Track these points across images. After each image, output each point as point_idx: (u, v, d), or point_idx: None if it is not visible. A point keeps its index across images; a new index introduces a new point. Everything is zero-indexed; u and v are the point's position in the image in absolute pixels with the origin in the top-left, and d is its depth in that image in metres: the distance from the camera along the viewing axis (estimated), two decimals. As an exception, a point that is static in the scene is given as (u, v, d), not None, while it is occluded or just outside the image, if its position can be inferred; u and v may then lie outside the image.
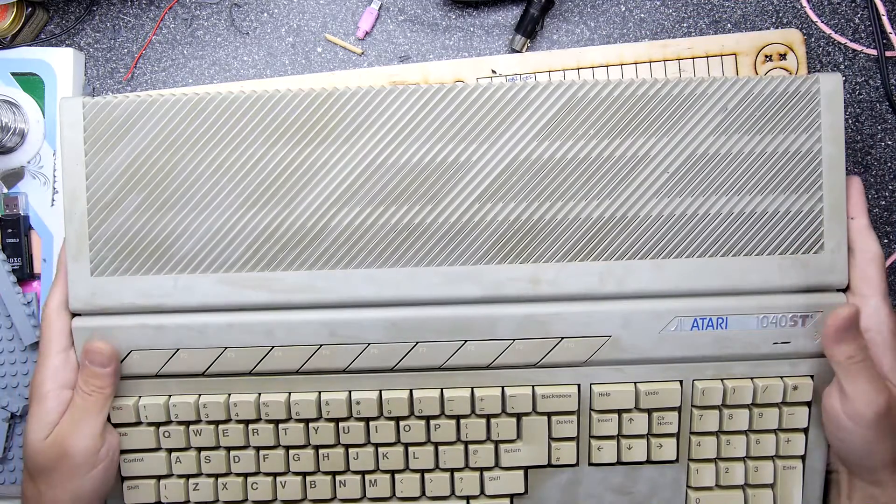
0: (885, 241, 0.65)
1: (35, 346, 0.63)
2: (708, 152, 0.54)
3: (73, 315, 0.55)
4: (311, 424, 0.56)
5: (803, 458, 0.57)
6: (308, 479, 0.57)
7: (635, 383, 0.56)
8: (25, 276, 0.63)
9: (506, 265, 0.54)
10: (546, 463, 0.57)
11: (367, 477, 0.57)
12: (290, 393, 0.56)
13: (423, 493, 0.57)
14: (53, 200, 0.63)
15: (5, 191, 0.63)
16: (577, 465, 0.57)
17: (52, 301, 0.55)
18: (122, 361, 0.55)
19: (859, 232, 0.54)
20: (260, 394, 0.56)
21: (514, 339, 0.55)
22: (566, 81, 0.54)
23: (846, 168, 0.61)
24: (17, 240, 0.62)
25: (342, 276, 0.54)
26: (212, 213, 0.54)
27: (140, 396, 0.56)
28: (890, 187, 0.65)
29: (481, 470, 0.57)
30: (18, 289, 0.62)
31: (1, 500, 0.65)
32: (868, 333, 0.53)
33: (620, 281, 0.55)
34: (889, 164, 0.65)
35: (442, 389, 0.56)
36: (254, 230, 0.54)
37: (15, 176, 0.63)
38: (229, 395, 0.56)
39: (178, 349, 0.55)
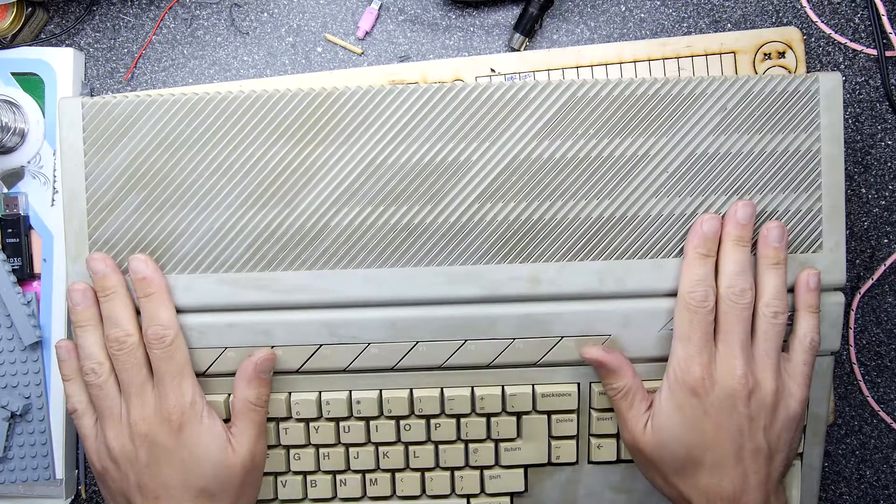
0: (886, 240, 0.65)
1: (35, 346, 0.63)
2: (707, 152, 0.54)
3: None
4: (311, 424, 0.56)
5: (801, 455, 0.57)
6: (308, 478, 0.57)
7: (635, 382, 0.56)
8: (25, 276, 0.63)
9: (506, 265, 0.55)
10: (546, 461, 0.57)
11: (368, 476, 0.57)
12: (290, 392, 0.56)
13: (424, 491, 0.58)
14: (53, 200, 0.63)
15: (5, 191, 0.63)
16: (576, 463, 0.57)
17: (170, 321, 0.54)
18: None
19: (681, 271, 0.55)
20: (260, 393, 0.56)
21: (514, 339, 0.55)
22: (566, 81, 0.54)
23: (846, 168, 0.61)
24: (17, 240, 0.62)
25: (342, 276, 0.55)
26: (211, 213, 0.54)
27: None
28: (890, 187, 0.65)
29: (481, 468, 0.57)
30: (18, 289, 0.62)
31: (1, 500, 0.65)
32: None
33: (620, 280, 0.55)
34: (889, 164, 0.65)
35: (442, 389, 0.56)
36: (254, 230, 0.54)
37: (15, 176, 0.63)
38: (229, 395, 0.56)
39: (178, 349, 0.55)
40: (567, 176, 0.54)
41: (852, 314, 0.66)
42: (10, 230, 0.62)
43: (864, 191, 0.65)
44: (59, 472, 0.64)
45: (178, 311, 0.55)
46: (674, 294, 0.54)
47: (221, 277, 0.55)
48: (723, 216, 0.54)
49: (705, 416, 0.51)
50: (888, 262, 0.65)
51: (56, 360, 0.57)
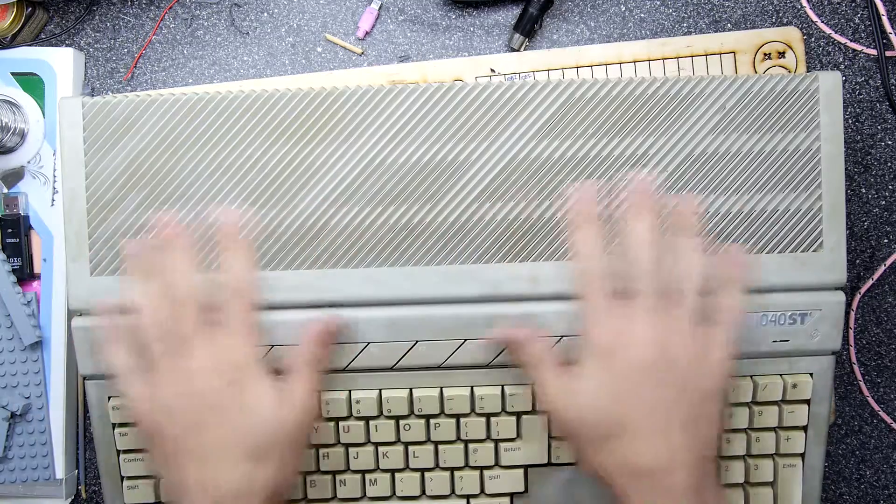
0: (886, 240, 0.65)
1: (35, 346, 0.63)
2: (707, 151, 0.54)
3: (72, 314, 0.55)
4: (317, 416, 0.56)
5: (803, 456, 0.57)
6: (308, 478, 0.57)
7: (635, 382, 0.56)
8: (25, 276, 0.63)
9: (505, 264, 0.55)
10: (546, 462, 0.57)
11: (367, 476, 0.57)
12: (290, 392, 0.56)
13: (424, 492, 0.57)
14: (53, 200, 0.63)
15: (5, 191, 0.63)
16: (576, 463, 0.57)
17: (249, 275, 0.54)
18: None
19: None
20: (260, 393, 0.56)
21: (513, 338, 0.55)
22: (565, 81, 0.54)
23: (846, 168, 0.61)
24: (17, 240, 0.62)
25: (342, 276, 0.55)
26: (211, 213, 0.54)
27: (140, 396, 0.56)
28: (890, 187, 0.65)
29: (481, 469, 0.57)
30: (18, 289, 0.62)
31: (1, 500, 0.65)
32: None
33: (620, 279, 0.55)
34: (889, 164, 0.65)
35: (442, 388, 0.56)
36: (253, 230, 0.54)
37: (15, 176, 0.63)
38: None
39: (178, 349, 0.55)
40: (567, 175, 0.54)
41: (852, 314, 0.66)
42: (10, 230, 0.63)
43: (864, 191, 0.65)
44: (59, 472, 0.64)
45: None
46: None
47: (221, 277, 0.55)
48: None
49: (619, 381, 0.49)
50: (888, 262, 0.65)
51: (98, 322, 0.54)
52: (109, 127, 0.54)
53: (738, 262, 0.52)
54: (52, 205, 0.63)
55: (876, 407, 0.66)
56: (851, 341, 0.66)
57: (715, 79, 0.54)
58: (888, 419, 0.66)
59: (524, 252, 0.54)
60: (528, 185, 0.54)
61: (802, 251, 0.54)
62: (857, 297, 0.65)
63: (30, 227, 0.63)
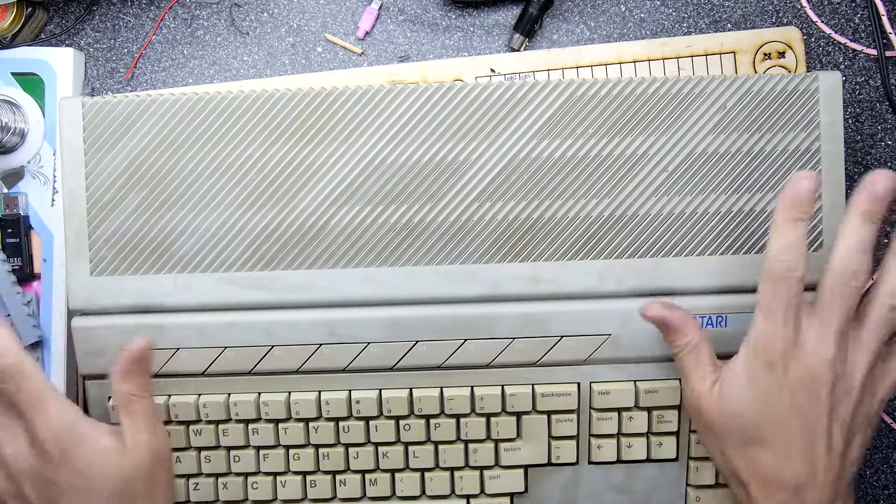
0: (886, 240, 0.65)
1: (35, 345, 0.63)
2: (707, 150, 0.54)
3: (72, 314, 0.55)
4: (310, 424, 0.56)
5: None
6: (308, 478, 0.57)
7: (635, 381, 0.56)
8: (25, 276, 0.63)
9: (505, 264, 0.55)
10: (546, 462, 0.57)
11: (367, 476, 0.57)
12: (289, 392, 0.56)
13: (424, 492, 0.57)
14: (53, 200, 0.63)
15: (5, 191, 0.63)
16: (577, 463, 0.57)
17: (10, 349, 0.49)
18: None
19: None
20: (260, 393, 0.56)
21: (513, 338, 0.55)
22: (565, 80, 0.54)
23: (846, 168, 0.61)
24: (17, 240, 0.62)
25: (342, 276, 0.55)
26: (211, 213, 0.54)
27: (140, 396, 0.56)
28: None
29: (481, 469, 0.57)
30: (18, 289, 0.62)
31: None
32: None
33: (620, 279, 0.55)
34: (889, 164, 0.65)
35: (442, 388, 0.56)
36: (253, 229, 0.54)
37: (15, 176, 0.63)
38: (229, 394, 0.56)
39: (178, 349, 0.55)
40: (567, 175, 0.54)
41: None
42: (10, 230, 0.62)
43: None
44: None
45: (178, 310, 0.55)
46: (673, 293, 0.54)
47: (221, 277, 0.55)
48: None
49: (780, 392, 0.47)
50: None
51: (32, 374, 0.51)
52: (109, 127, 0.54)
53: None
54: (52, 205, 0.63)
55: (876, 407, 0.66)
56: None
57: (715, 79, 0.54)
58: (888, 419, 0.66)
59: (524, 252, 0.54)
60: (528, 185, 0.54)
61: (803, 251, 0.54)
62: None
63: (30, 227, 0.63)
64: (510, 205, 0.54)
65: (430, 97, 0.54)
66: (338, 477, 0.57)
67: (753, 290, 0.53)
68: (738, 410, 0.49)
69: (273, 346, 0.55)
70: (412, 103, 0.54)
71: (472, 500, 0.58)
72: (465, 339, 0.55)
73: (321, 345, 0.55)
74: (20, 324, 0.62)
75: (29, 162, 0.63)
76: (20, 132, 0.63)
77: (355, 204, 0.54)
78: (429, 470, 0.57)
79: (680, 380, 0.55)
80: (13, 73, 0.64)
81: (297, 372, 0.56)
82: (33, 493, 0.49)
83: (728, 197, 0.54)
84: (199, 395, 0.56)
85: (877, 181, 0.46)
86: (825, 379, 0.47)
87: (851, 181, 0.65)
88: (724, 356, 0.55)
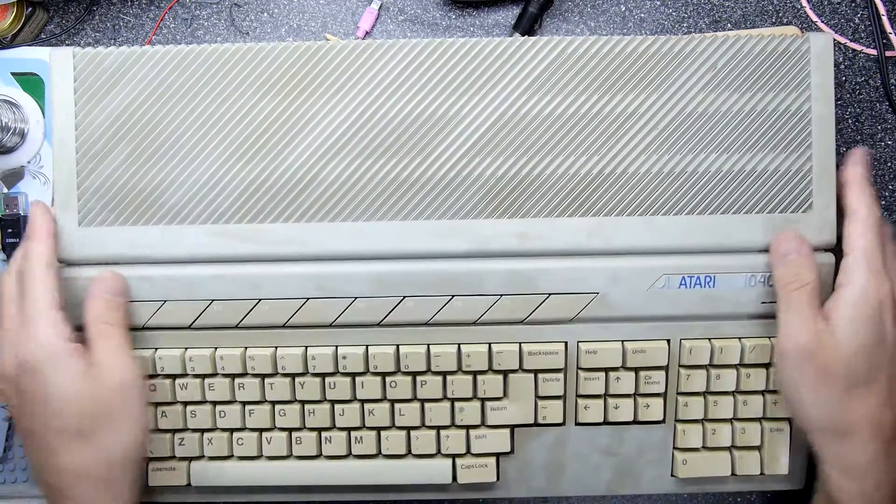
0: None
1: None
2: (697, 110, 0.54)
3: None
4: (297, 379, 0.56)
5: (790, 420, 0.56)
6: (294, 434, 0.57)
7: (622, 341, 0.56)
8: None
9: (494, 220, 0.54)
10: (532, 422, 0.57)
11: (353, 434, 0.57)
12: (276, 347, 0.56)
13: (409, 451, 0.57)
14: (53, 201, 0.63)
15: (5, 191, 0.63)
16: (563, 424, 0.57)
17: (39, 258, 0.52)
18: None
19: (850, 196, 0.53)
20: (246, 348, 0.56)
21: (501, 295, 0.55)
22: (555, 38, 0.54)
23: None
24: (17, 240, 0.62)
25: (329, 229, 0.54)
26: (200, 165, 0.54)
27: (126, 350, 0.56)
28: (890, 187, 0.65)
29: (467, 428, 0.57)
30: None
31: (1, 500, 0.65)
32: (838, 287, 0.51)
33: (608, 237, 0.54)
34: (889, 164, 0.65)
35: (428, 345, 0.56)
36: (242, 182, 0.54)
37: (15, 176, 0.63)
38: (216, 348, 0.56)
39: (164, 301, 0.55)
40: (557, 132, 0.54)
41: None
42: (10, 230, 0.62)
43: None
44: None
45: (166, 262, 0.55)
46: (662, 252, 0.54)
47: (209, 229, 0.55)
48: None
49: (890, 331, 0.49)
50: None
51: None
52: (100, 78, 0.54)
53: None
54: (52, 205, 0.63)
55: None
56: None
57: (706, 38, 0.54)
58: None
59: (513, 208, 0.54)
60: (517, 141, 0.54)
61: (792, 212, 0.54)
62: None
63: None
64: (499, 160, 0.54)
65: (420, 52, 0.54)
66: (323, 434, 0.57)
67: (742, 251, 0.53)
68: (856, 351, 0.49)
69: (260, 300, 0.55)
70: (402, 58, 0.54)
71: (458, 460, 0.57)
72: (453, 296, 0.55)
73: (308, 299, 0.55)
74: None
75: (29, 162, 0.63)
76: (20, 132, 0.63)
77: (344, 157, 0.54)
78: (415, 428, 0.57)
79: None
80: (13, 73, 0.64)
81: (283, 326, 0.55)
82: (13, 397, 0.51)
83: (718, 156, 0.54)
84: (186, 348, 0.56)
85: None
86: None
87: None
88: (714, 317, 0.55)
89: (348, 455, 0.57)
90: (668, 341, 0.55)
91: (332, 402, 0.56)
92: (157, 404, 0.57)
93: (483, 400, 0.56)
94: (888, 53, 0.64)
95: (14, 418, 0.52)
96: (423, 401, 0.56)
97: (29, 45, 0.65)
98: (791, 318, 0.51)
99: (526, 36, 0.63)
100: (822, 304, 0.51)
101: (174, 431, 0.57)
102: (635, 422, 0.57)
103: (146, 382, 0.56)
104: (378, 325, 0.55)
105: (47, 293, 0.51)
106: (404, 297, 0.55)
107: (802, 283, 0.51)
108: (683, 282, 0.54)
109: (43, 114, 0.63)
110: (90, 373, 0.51)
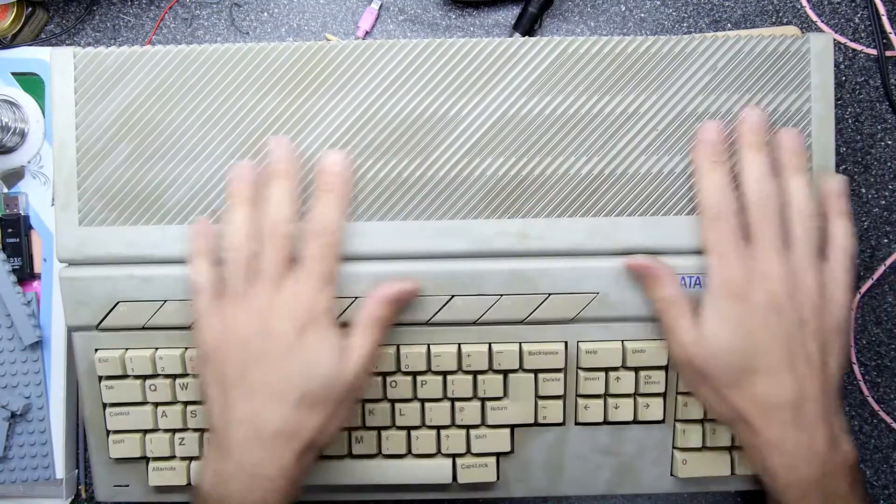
0: (886, 240, 0.65)
1: (35, 346, 0.63)
2: (697, 110, 0.54)
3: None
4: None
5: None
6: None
7: (622, 341, 0.56)
8: (25, 276, 0.63)
9: (494, 220, 0.54)
10: (532, 422, 0.57)
11: (353, 434, 0.57)
12: (276, 347, 0.56)
13: (410, 450, 0.57)
14: (53, 200, 0.63)
15: (5, 191, 0.63)
16: (563, 424, 0.57)
17: (338, 223, 0.53)
18: (108, 313, 0.55)
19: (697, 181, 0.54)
20: (246, 348, 0.56)
21: (501, 295, 0.55)
22: (556, 38, 0.54)
23: (846, 167, 0.61)
24: (18, 240, 0.62)
25: (330, 229, 0.54)
26: (200, 165, 0.54)
27: (126, 349, 0.56)
28: (890, 187, 0.65)
29: (467, 428, 0.57)
30: (18, 289, 0.62)
31: (1, 500, 0.65)
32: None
33: (609, 237, 0.54)
34: (889, 164, 0.65)
35: (429, 345, 0.56)
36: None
37: (15, 176, 0.63)
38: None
39: (165, 301, 0.55)
40: (557, 132, 0.54)
41: (852, 314, 0.65)
42: (10, 230, 0.62)
43: (864, 191, 0.65)
44: (59, 472, 0.64)
45: (166, 262, 0.55)
46: (661, 251, 0.54)
47: (209, 229, 0.54)
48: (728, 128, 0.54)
49: (752, 319, 0.50)
50: (888, 262, 0.65)
51: (188, 237, 0.55)
52: (100, 78, 0.54)
53: (840, 193, 0.53)
54: (53, 204, 0.63)
55: (876, 407, 0.65)
56: (851, 341, 0.65)
57: (706, 38, 0.54)
58: (888, 419, 0.66)
59: (513, 208, 0.54)
60: (518, 141, 0.54)
61: (792, 211, 0.54)
62: (857, 296, 0.65)
63: (30, 227, 0.63)
64: (500, 160, 0.54)
65: (420, 52, 0.54)
66: (323, 434, 0.57)
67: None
68: (725, 348, 0.51)
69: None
70: (402, 58, 0.54)
71: (458, 460, 0.57)
72: (453, 296, 0.55)
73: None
74: (20, 324, 0.62)
75: (29, 162, 0.63)
76: (20, 132, 0.63)
77: (344, 157, 0.54)
78: (415, 428, 0.57)
79: (665, 339, 0.55)
80: (13, 73, 0.64)
81: (283, 326, 0.55)
82: (260, 346, 0.50)
83: (718, 156, 0.54)
84: (186, 348, 0.56)
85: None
86: (783, 293, 0.50)
87: (851, 181, 0.65)
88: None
89: (348, 455, 0.57)
90: (665, 338, 0.55)
91: (332, 402, 0.56)
92: (157, 404, 0.57)
93: (483, 400, 0.56)
94: (888, 53, 0.64)
95: (234, 365, 0.51)
96: (423, 400, 0.56)
97: (29, 45, 0.65)
98: (666, 333, 0.54)
99: (526, 36, 0.63)
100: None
101: (174, 431, 0.57)
102: (635, 422, 0.57)
103: (153, 382, 0.56)
104: (378, 324, 0.55)
105: (338, 259, 0.53)
106: (404, 297, 0.55)
107: (660, 301, 0.54)
108: (683, 282, 0.54)
109: (43, 114, 0.63)
110: (343, 358, 0.51)
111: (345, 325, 0.53)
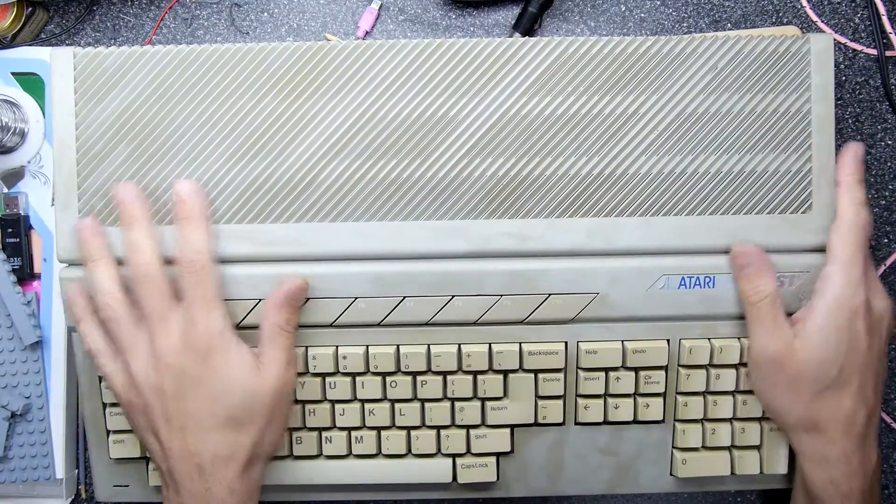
0: (885, 240, 0.65)
1: (35, 346, 0.63)
2: (697, 111, 0.54)
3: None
4: (297, 379, 0.56)
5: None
6: (294, 434, 0.57)
7: (622, 341, 0.56)
8: (25, 275, 0.63)
9: (494, 220, 0.54)
10: (532, 421, 0.57)
11: (353, 433, 0.57)
12: (276, 347, 0.56)
13: (410, 450, 0.57)
14: (53, 200, 0.63)
15: (5, 191, 0.63)
16: (563, 424, 0.57)
17: (205, 247, 0.53)
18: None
19: (839, 198, 0.54)
20: (247, 348, 0.56)
21: (501, 295, 0.55)
22: (556, 38, 0.54)
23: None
24: (17, 239, 0.62)
25: (329, 229, 0.54)
26: (200, 165, 0.54)
27: (127, 349, 0.56)
28: (890, 187, 0.65)
29: (468, 428, 0.57)
30: (18, 289, 0.62)
31: (1, 500, 0.65)
32: (815, 295, 0.53)
33: (608, 238, 0.54)
34: (889, 164, 0.65)
35: (429, 345, 0.56)
36: (241, 183, 0.54)
37: (15, 176, 0.63)
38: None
39: (165, 301, 0.55)
40: (557, 132, 0.54)
41: None
42: (10, 230, 0.62)
43: None
44: (59, 472, 0.64)
45: (166, 262, 0.54)
46: (662, 252, 0.54)
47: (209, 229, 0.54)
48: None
49: (863, 338, 0.52)
50: (888, 262, 0.65)
51: (65, 308, 0.55)
52: (100, 78, 0.54)
53: None
54: (53, 204, 0.63)
55: (876, 406, 0.66)
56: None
57: (706, 39, 0.54)
58: (888, 419, 0.66)
59: (513, 209, 0.54)
60: (517, 142, 0.54)
61: (792, 212, 0.54)
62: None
63: (30, 227, 0.63)
64: (499, 161, 0.54)
65: (420, 52, 0.54)
66: (323, 434, 0.57)
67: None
68: (830, 359, 0.52)
69: (259, 300, 0.55)
70: (402, 58, 0.54)
71: (458, 460, 0.57)
72: (453, 296, 0.55)
73: (308, 299, 0.55)
74: (20, 324, 0.62)
75: (29, 162, 0.63)
76: (20, 132, 0.63)
77: (344, 158, 0.54)
78: (415, 428, 0.57)
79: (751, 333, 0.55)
80: (13, 73, 0.64)
81: (283, 326, 0.55)
82: (171, 386, 0.51)
83: (717, 157, 0.54)
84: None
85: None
86: (886, 319, 0.53)
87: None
88: (714, 317, 0.55)
89: (348, 455, 0.57)
90: (668, 341, 0.56)
91: (333, 402, 0.56)
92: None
93: (483, 400, 0.57)
94: (888, 53, 0.64)
95: (155, 408, 0.52)
96: (423, 401, 0.56)
97: (29, 45, 0.65)
98: (757, 329, 0.53)
99: (526, 36, 0.63)
100: (789, 309, 0.54)
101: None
102: (635, 421, 0.57)
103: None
104: (378, 325, 0.55)
105: (216, 281, 0.53)
106: (404, 297, 0.55)
107: (762, 295, 0.53)
108: (683, 282, 0.54)
109: (43, 114, 0.63)
110: (257, 371, 0.52)
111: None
